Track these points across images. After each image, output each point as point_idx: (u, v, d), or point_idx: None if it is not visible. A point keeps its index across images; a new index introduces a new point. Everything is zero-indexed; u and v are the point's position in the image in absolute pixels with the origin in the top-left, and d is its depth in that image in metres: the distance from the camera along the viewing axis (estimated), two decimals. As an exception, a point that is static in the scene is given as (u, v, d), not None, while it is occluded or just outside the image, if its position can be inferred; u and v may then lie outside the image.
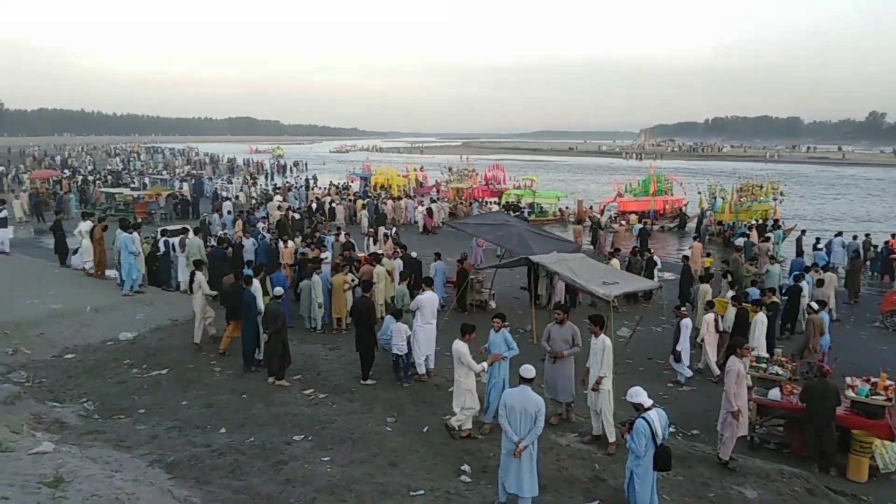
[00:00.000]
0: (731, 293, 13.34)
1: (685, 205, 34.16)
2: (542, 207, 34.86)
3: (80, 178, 41.84)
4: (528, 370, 6.69)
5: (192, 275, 12.65)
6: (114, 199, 31.83)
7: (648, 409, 6.57)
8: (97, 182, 41.13)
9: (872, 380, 9.16)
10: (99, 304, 14.27)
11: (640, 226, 25.96)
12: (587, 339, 8.78)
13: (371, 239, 20.43)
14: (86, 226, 17.00)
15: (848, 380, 9.29)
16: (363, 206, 30.06)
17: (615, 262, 16.89)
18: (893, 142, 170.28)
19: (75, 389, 9.87)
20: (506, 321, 9.02)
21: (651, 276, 16.43)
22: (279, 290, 10.99)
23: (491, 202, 35.77)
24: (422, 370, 10.71)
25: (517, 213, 28.63)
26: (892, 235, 22.48)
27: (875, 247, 22.05)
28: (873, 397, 8.81)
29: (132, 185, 40.75)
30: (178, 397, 9.76)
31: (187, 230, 17.81)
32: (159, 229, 18.91)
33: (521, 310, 15.95)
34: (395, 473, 7.53)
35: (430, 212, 29.43)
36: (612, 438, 8.33)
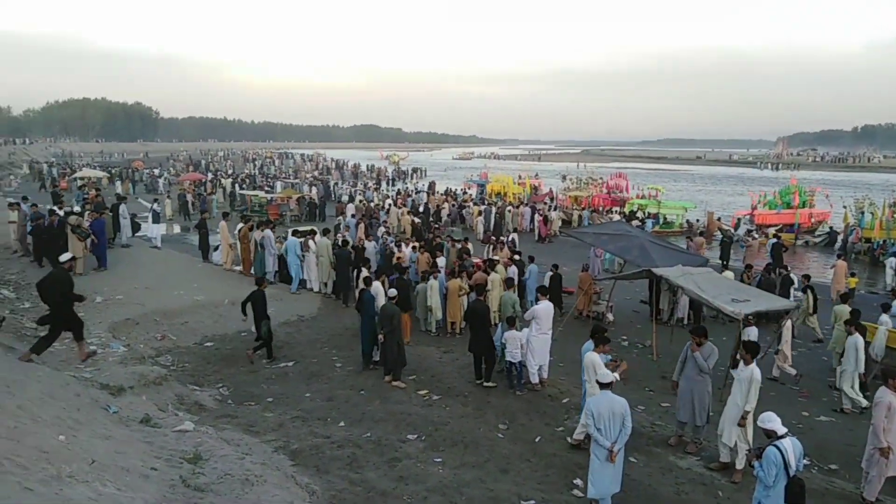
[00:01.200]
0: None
1: (830, 218, 31.60)
2: (666, 218, 33.52)
3: (226, 181, 45.36)
4: (605, 375, 6.86)
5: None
6: (250, 200, 34.47)
7: (782, 437, 6.12)
8: (237, 185, 44.47)
9: None
10: (236, 298, 15.40)
11: (774, 240, 24.10)
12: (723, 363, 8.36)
13: (490, 246, 20.55)
14: (238, 227, 18.58)
15: None
16: (479, 213, 30.32)
17: (728, 273, 15.94)
18: None
19: (213, 375, 10.74)
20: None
21: (787, 295, 15.31)
22: (393, 292, 11.36)
23: (614, 211, 34.88)
24: (535, 379, 10.65)
25: (637, 224, 27.66)
26: None
27: None
28: None
29: (266, 188, 43.68)
30: (302, 389, 10.34)
31: (315, 232, 18.81)
32: (290, 230, 20.14)
33: (640, 324, 15.43)
34: (506, 481, 7.53)
35: (545, 220, 29.16)
36: (739, 466, 7.85)
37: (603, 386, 6.77)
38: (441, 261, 16.02)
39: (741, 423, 7.79)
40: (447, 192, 42.31)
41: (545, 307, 10.71)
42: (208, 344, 12.38)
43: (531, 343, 10.51)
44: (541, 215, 30.00)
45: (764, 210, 32.23)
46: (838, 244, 27.32)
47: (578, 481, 7.57)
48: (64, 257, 9.52)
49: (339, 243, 17.45)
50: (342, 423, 8.94)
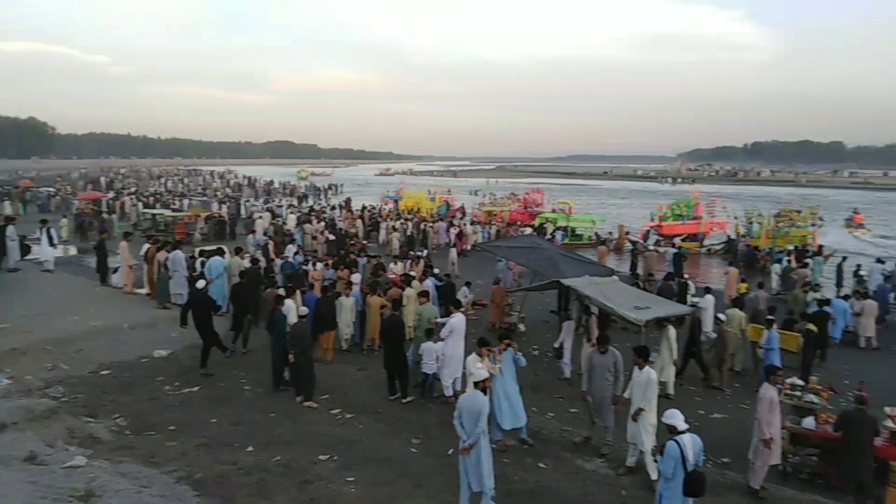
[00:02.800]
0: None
1: (728, 228, 33.77)
2: (575, 231, 34.72)
3: (128, 199, 43.19)
4: (477, 375, 7.29)
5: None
6: (154, 219, 32.89)
7: (682, 432, 6.47)
8: (140, 203, 42.38)
9: (914, 411, 8.81)
10: (136, 322, 14.66)
11: (675, 250, 25.48)
12: (627, 368, 8.73)
13: (403, 261, 20.54)
14: (143, 248, 17.70)
15: (887, 409, 8.95)
16: (393, 229, 30.30)
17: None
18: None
19: (109, 405, 10.12)
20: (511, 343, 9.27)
21: (684, 301, 16.16)
22: (304, 310, 11.14)
23: (525, 225, 35.83)
24: (448, 392, 10.71)
25: (547, 237, 28.51)
26: None
27: None
28: (915, 429, 8.47)
29: (173, 207, 41.90)
30: (207, 414, 9.93)
31: (222, 250, 18.18)
32: (196, 250, 19.37)
33: (551, 333, 15.83)
34: (420, 495, 7.51)
35: (460, 234, 29.50)
36: (653, 476, 7.87)
37: (476, 385, 7.12)
38: (356, 277, 15.85)
39: (634, 418, 8.19)
40: (363, 209, 42.11)
41: (459, 320, 10.82)
42: (105, 372, 11.66)
43: (446, 356, 10.59)
44: (456, 229, 30.36)
45: (670, 221, 33.97)
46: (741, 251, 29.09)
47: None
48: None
49: (249, 262, 16.96)
50: (250, 448, 8.64)
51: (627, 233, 33.97)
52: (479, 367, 7.96)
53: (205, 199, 48.64)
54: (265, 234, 27.67)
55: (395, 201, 46.38)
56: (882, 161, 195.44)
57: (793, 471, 8.98)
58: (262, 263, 18.10)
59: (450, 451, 8.77)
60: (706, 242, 32.85)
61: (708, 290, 16.37)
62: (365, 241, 28.42)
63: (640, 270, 22.94)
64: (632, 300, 12.28)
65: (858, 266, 21.63)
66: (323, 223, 31.08)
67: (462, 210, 42.36)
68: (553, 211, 38.40)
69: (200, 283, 12.48)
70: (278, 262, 18.33)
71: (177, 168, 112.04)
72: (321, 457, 8.42)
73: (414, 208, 42.65)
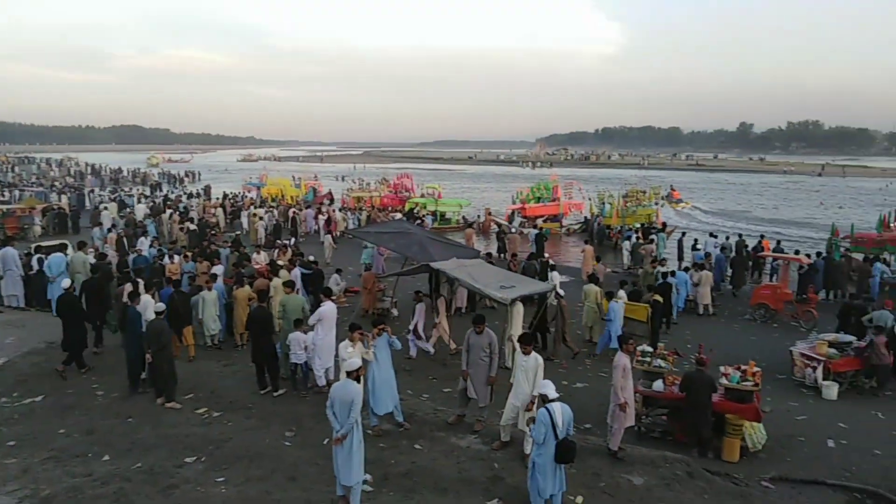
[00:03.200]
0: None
1: (583, 209, 35.92)
2: (444, 215, 35.32)
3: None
4: (350, 363, 7.05)
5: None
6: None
7: (552, 400, 6.81)
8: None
9: (742, 367, 9.94)
10: (-39, 330, 13.00)
11: (536, 231, 26.80)
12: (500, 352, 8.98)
13: (268, 250, 19.86)
14: None
15: (722, 369, 10.04)
16: (258, 217, 29.13)
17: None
18: (760, 150, 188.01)
19: (-69, 425, 8.92)
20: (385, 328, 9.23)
21: (545, 279, 17.04)
22: (161, 307, 10.45)
23: (395, 210, 35.90)
24: (322, 382, 10.55)
25: (417, 222, 28.79)
26: (762, 237, 24.58)
27: (746, 246, 22.79)
28: (743, 383, 9.57)
29: (1, 199, 37.44)
30: (54, 425, 9.05)
31: (65, 245, 16.57)
32: (33, 245, 17.53)
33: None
34: (294, 488, 7.35)
35: (328, 221, 28.95)
36: (527, 450, 7.97)
37: (349, 374, 6.91)
38: (218, 269, 15.09)
39: (529, 408, 8.09)
40: (225, 197, 40.08)
41: (329, 309, 10.66)
42: (-76, 388, 10.25)
43: (317, 345, 10.39)
44: (325, 216, 29.79)
45: (532, 203, 35.44)
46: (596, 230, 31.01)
47: (368, 476, 7.65)
48: None
49: (96, 257, 15.59)
50: (106, 457, 8.00)
51: (492, 216, 35.15)
52: (350, 353, 7.90)
53: (42, 189, 43.88)
54: (114, 226, 25.54)
55: (259, 188, 44.59)
56: (712, 144, 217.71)
57: (646, 430, 9.84)
58: (112, 258, 16.74)
59: (325, 442, 8.65)
60: (565, 223, 34.76)
61: (553, 268, 17.57)
62: (229, 232, 27.14)
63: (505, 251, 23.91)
64: (497, 280, 12.79)
65: (696, 241, 23.89)
66: (178, 213, 29.23)
67: (330, 196, 41.71)
68: (422, 196, 38.84)
69: (65, 283, 11.62)
70: (131, 255, 17.02)
71: (5, 156, 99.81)
72: (187, 459, 7.98)
73: (277, 195, 41.27)
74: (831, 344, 12.32)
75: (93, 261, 15.16)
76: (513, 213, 34.93)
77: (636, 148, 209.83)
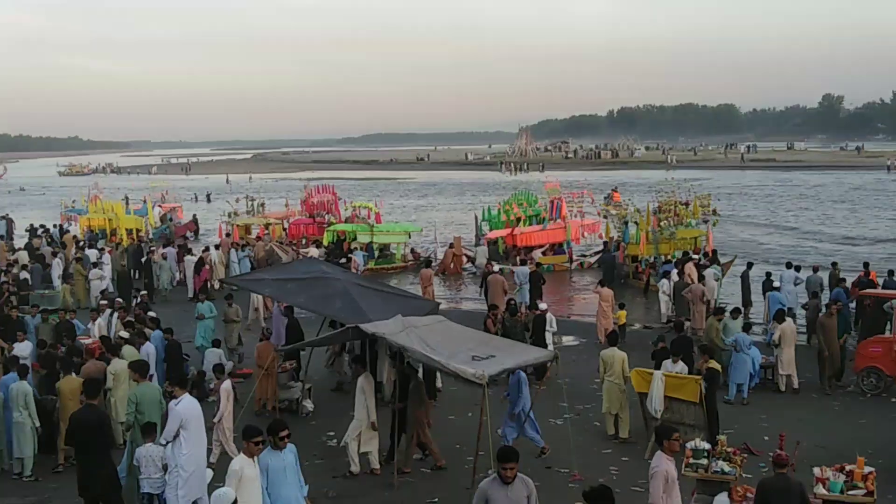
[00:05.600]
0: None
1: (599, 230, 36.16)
2: (384, 249, 35.33)
3: None
4: (221, 498, 7.60)
5: None
6: None
7: None
8: None
9: (848, 467, 9.96)
10: None
11: (526, 268, 26.58)
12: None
13: (105, 314, 19.42)
14: None
15: (816, 470, 10.03)
16: (94, 264, 28.45)
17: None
18: (855, 134, 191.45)
19: None
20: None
21: (541, 342, 16.99)
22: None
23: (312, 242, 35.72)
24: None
25: (342, 260, 28.65)
26: (865, 265, 24.42)
27: (843, 280, 22.69)
28: (850, 493, 9.58)
29: None
30: None
31: None
32: None
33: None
34: None
35: (199, 264, 28.47)
36: None
37: None
38: (22, 348, 14.77)
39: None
40: (32, 232, 39.28)
41: (187, 408, 10.11)
42: None
43: (179, 465, 9.98)
44: (194, 257, 29.34)
45: (525, 228, 35.34)
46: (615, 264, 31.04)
47: None
48: None
49: None
50: None
51: (465, 248, 35.20)
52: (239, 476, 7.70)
53: None
54: None
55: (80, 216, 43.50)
56: (784, 128, 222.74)
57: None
58: None
59: None
60: (575, 254, 35.05)
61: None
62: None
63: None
64: (467, 346, 12.66)
65: (769, 275, 23.89)
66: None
67: (193, 226, 41.19)
68: (349, 220, 38.50)
69: None
70: None
71: None
72: None
73: (103, 227, 40.25)
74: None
75: None
76: (496, 242, 34.83)
77: (671, 137, 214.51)
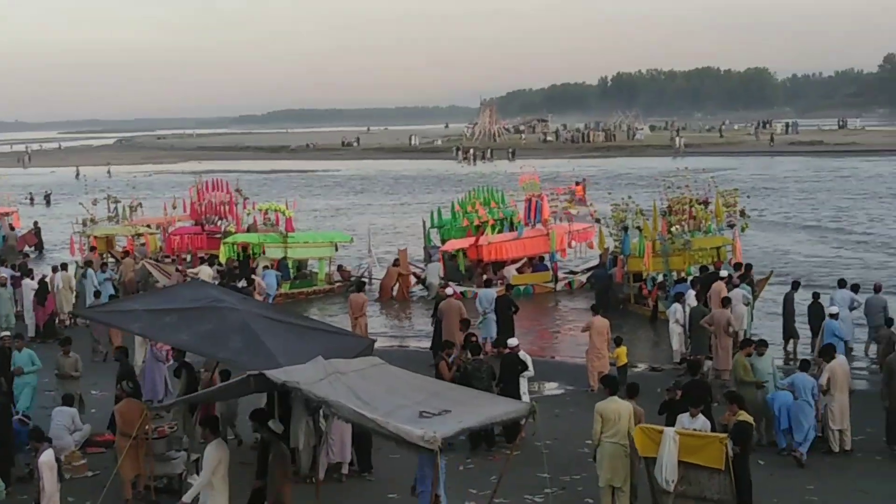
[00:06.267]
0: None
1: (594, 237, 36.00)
2: (300, 266, 35.35)
3: None
4: None
5: None
6: None
7: None
8: None
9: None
10: None
11: (492, 291, 26.42)
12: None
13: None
14: None
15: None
16: None
17: None
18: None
19: None
20: None
21: (513, 391, 16.97)
22: None
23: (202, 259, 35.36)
24: None
25: (241, 283, 28.40)
26: None
27: None
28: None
29: None
30: None
31: None
32: None
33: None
34: None
35: (42, 290, 28.06)
36: None
37: None
38: None
39: None
40: None
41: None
42: None
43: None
44: (34, 282, 28.92)
45: (496, 237, 35.29)
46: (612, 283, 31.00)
47: None
48: None
49: None
50: None
51: (411, 265, 35.13)
52: None
53: None
54: None
55: None
56: (831, 99, 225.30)
57: None
58: None
59: None
60: (561, 270, 35.18)
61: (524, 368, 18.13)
62: None
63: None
64: (414, 399, 12.58)
65: (816, 295, 23.85)
66: None
67: (32, 239, 40.76)
68: (253, 227, 38.17)
69: None
70: None
71: None
72: None
73: None
74: None
75: None
76: (454, 256, 34.46)
77: (685, 112, 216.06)
